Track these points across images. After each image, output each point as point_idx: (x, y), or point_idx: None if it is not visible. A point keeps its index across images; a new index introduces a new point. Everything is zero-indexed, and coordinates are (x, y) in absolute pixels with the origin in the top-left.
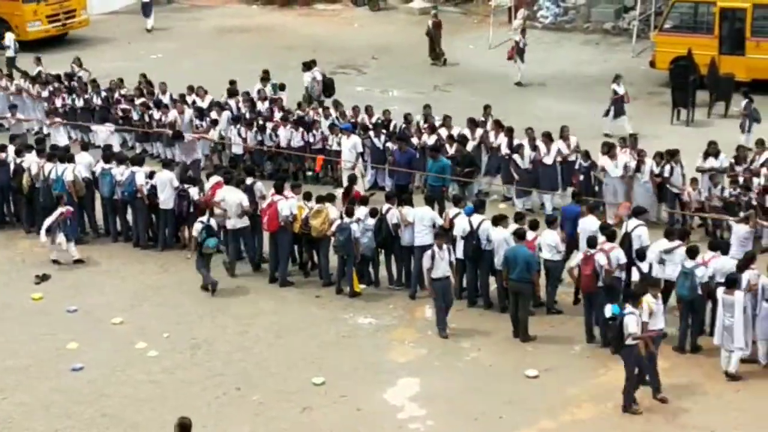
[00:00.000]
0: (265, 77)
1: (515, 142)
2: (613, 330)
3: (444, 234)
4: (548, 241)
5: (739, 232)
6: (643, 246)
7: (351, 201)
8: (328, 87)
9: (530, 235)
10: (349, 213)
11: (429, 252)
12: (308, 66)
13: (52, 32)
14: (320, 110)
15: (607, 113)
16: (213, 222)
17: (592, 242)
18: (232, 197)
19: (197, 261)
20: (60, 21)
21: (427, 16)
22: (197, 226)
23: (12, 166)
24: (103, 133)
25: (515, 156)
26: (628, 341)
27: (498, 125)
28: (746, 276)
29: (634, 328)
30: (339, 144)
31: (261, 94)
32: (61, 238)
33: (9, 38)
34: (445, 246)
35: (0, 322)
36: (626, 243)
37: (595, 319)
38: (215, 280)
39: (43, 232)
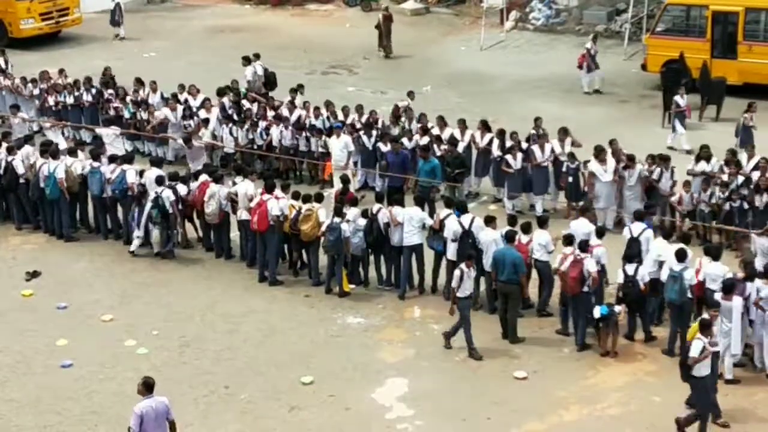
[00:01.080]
0: (247, 62)
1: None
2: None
3: (474, 255)
4: (540, 241)
5: (764, 244)
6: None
7: (342, 201)
8: (269, 81)
9: (524, 238)
10: (339, 213)
11: (457, 272)
12: (248, 60)
13: (45, 30)
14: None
15: (672, 127)
16: (164, 194)
17: (583, 246)
18: (242, 189)
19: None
20: (53, 19)
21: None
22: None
23: (3, 164)
24: (109, 136)
25: (507, 157)
26: (696, 371)
27: (484, 126)
28: (756, 286)
29: (697, 353)
30: (325, 146)
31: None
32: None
33: None
34: (472, 267)
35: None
36: (635, 248)
37: (574, 322)
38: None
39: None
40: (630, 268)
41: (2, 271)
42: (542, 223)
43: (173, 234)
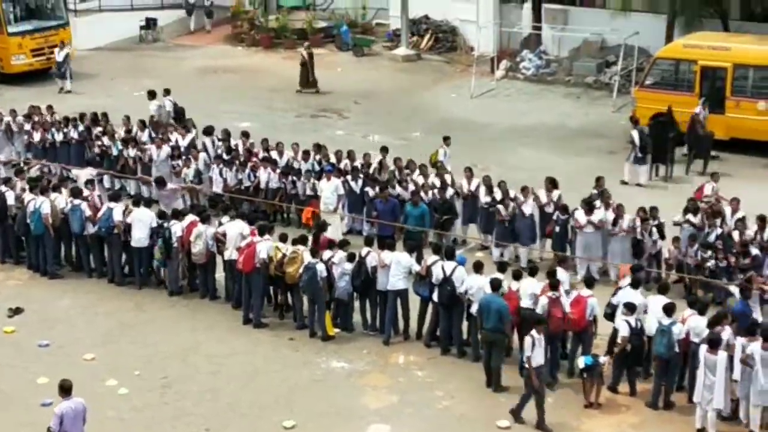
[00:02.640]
0: (152, 97)
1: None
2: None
3: (544, 321)
4: (529, 290)
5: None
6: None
7: (321, 247)
8: (179, 115)
9: (515, 285)
10: (314, 254)
11: (528, 339)
12: (153, 95)
13: (36, 66)
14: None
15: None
16: (173, 228)
17: (554, 284)
18: (233, 229)
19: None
20: (44, 55)
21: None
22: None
23: None
24: (84, 176)
25: (499, 207)
26: None
27: (469, 172)
28: (724, 335)
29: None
30: (313, 189)
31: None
32: None
33: None
34: (543, 333)
35: None
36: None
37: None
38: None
39: None
40: (632, 320)
41: None
42: (534, 272)
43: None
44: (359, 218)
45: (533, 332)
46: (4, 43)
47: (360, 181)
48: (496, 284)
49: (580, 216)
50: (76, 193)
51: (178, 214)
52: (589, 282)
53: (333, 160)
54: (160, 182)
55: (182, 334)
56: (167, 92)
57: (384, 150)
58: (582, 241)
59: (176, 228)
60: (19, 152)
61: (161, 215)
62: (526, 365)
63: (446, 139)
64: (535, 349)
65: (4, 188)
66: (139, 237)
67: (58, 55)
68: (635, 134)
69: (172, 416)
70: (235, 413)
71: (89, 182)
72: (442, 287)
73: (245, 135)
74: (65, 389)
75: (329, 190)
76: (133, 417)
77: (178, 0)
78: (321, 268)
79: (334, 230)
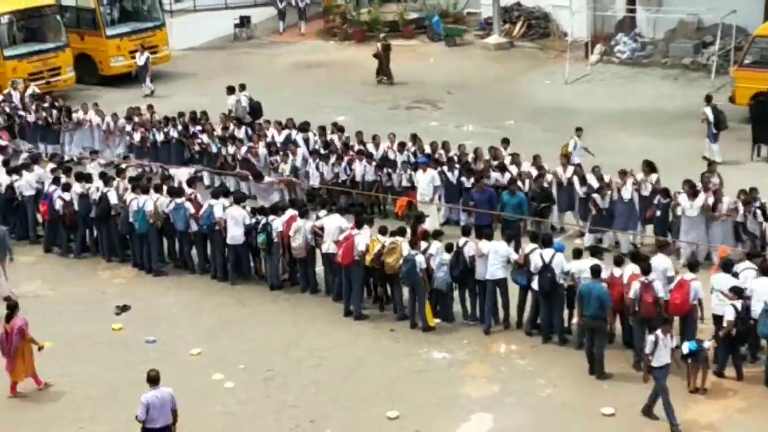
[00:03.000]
0: (230, 92)
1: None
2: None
3: (670, 320)
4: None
5: None
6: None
7: (419, 238)
8: (255, 110)
9: (617, 271)
10: (413, 245)
11: (651, 337)
12: (232, 90)
13: (135, 67)
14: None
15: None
16: (274, 223)
17: (646, 269)
18: (331, 222)
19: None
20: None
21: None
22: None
23: (96, 196)
24: (183, 175)
25: (595, 196)
26: None
27: (565, 159)
28: None
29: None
30: (410, 180)
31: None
32: None
33: None
34: (669, 333)
35: (80, 352)
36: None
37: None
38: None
39: None
40: (738, 304)
41: (93, 306)
42: (635, 257)
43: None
44: (456, 208)
45: (658, 332)
46: (102, 45)
47: (456, 172)
48: (596, 270)
49: (684, 199)
50: (175, 192)
51: (277, 209)
52: (692, 265)
53: (428, 151)
54: (258, 176)
55: (284, 328)
56: (243, 87)
57: (505, 142)
58: (685, 225)
59: (276, 223)
60: (120, 153)
61: (260, 211)
62: (643, 362)
63: (578, 130)
64: (658, 350)
65: (106, 188)
66: (234, 235)
67: (139, 60)
68: (708, 111)
69: (276, 409)
70: (338, 405)
71: (191, 180)
72: (542, 275)
73: (340, 129)
74: (152, 379)
75: (425, 181)
76: (239, 410)
77: None
78: (420, 259)
79: (432, 221)
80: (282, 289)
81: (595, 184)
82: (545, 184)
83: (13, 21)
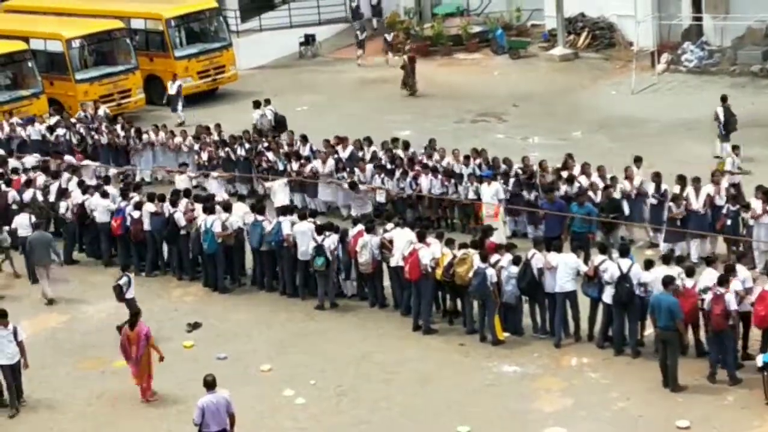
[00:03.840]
0: (257, 106)
1: (665, 189)
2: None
3: None
4: (702, 284)
5: None
6: None
7: (488, 252)
8: (279, 124)
9: (689, 282)
10: (484, 259)
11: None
12: (258, 104)
13: (203, 87)
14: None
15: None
16: (326, 242)
17: (722, 280)
18: (401, 236)
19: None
20: (210, 76)
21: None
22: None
23: (166, 215)
24: (280, 186)
25: (671, 204)
26: None
27: (721, 175)
28: None
29: None
30: (476, 192)
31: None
32: None
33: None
34: None
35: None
36: None
37: (723, 360)
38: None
39: None
40: None
41: (164, 323)
42: (710, 262)
43: (334, 285)
44: (522, 221)
45: None
46: (171, 67)
47: (521, 184)
48: (667, 281)
49: (757, 205)
50: (259, 209)
51: (332, 227)
52: None
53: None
54: (353, 186)
55: (354, 343)
56: (268, 102)
57: (570, 157)
58: (758, 232)
59: (329, 241)
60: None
61: (327, 227)
62: None
63: (735, 149)
64: None
65: (173, 209)
66: (303, 250)
67: (171, 89)
68: (720, 111)
69: (348, 424)
70: (410, 420)
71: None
72: (620, 285)
73: (405, 146)
74: (208, 383)
75: (489, 194)
76: (311, 426)
77: (335, 15)
78: (491, 272)
79: (498, 235)
80: (350, 304)
81: (665, 192)
82: (614, 195)
83: (84, 45)
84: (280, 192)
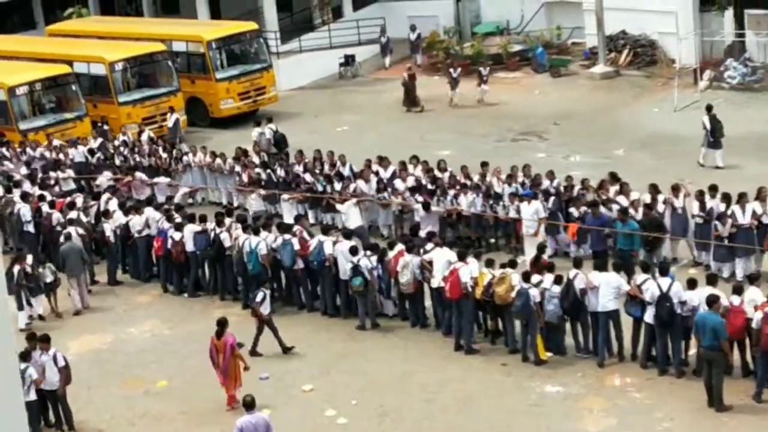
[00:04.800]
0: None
1: (711, 207)
2: None
3: None
4: (753, 297)
5: None
6: None
7: (540, 269)
8: (279, 142)
9: (735, 300)
10: (527, 278)
11: None
12: (258, 123)
13: (243, 109)
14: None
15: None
16: (362, 262)
17: None
18: (440, 256)
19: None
20: (251, 98)
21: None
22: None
23: (211, 236)
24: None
25: (716, 223)
26: None
27: (675, 189)
28: None
29: None
30: (518, 211)
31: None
32: None
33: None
34: None
35: (195, 390)
36: None
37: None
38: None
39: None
40: None
41: (207, 343)
42: (754, 279)
43: (373, 305)
44: (561, 239)
45: None
46: (212, 89)
47: (561, 202)
48: (711, 300)
49: None
50: (284, 228)
51: (376, 247)
52: None
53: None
54: (426, 206)
55: (395, 363)
56: (269, 120)
57: (613, 177)
58: None
59: (366, 261)
60: (231, 192)
61: (355, 248)
62: None
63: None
64: None
65: (219, 229)
66: (345, 270)
67: (169, 121)
68: (706, 120)
69: None
70: None
71: (298, 217)
72: (660, 305)
73: (442, 169)
74: (247, 404)
75: (529, 213)
76: None
77: (374, 36)
78: (534, 292)
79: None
80: (391, 325)
81: (717, 211)
82: (657, 213)
83: (126, 68)
84: (353, 215)
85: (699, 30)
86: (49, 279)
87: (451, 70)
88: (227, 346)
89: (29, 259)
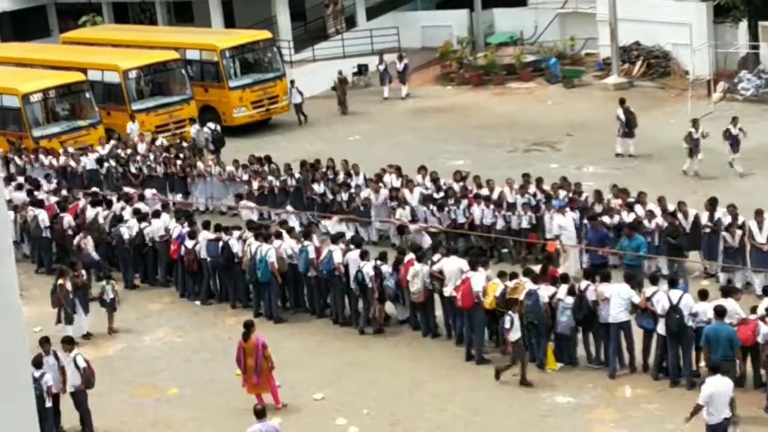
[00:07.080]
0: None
1: (719, 218)
2: None
3: None
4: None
5: None
6: None
7: (548, 279)
8: (216, 141)
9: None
10: (535, 281)
11: None
12: (194, 121)
13: (256, 117)
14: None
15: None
16: (365, 268)
17: None
18: (450, 266)
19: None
20: (264, 107)
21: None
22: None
23: (221, 243)
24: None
25: (725, 234)
26: None
27: (682, 203)
28: None
29: None
30: (530, 222)
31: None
32: None
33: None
34: None
35: (206, 398)
36: None
37: None
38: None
39: None
40: None
41: (218, 351)
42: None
43: (369, 310)
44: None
45: None
46: (225, 97)
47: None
48: (720, 311)
49: None
50: (306, 234)
51: (367, 254)
52: None
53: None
54: (400, 230)
55: (406, 372)
56: (210, 120)
57: (623, 191)
58: None
59: (368, 268)
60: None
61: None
62: None
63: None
64: None
65: (227, 237)
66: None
67: (140, 146)
68: (620, 112)
69: None
70: None
71: (308, 225)
72: (670, 317)
73: (458, 179)
74: (258, 413)
75: (563, 224)
76: None
77: (388, 45)
78: (543, 293)
79: (574, 264)
80: (400, 334)
81: (726, 221)
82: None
83: (140, 76)
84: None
85: (713, 41)
86: (110, 296)
87: (396, 61)
88: (258, 347)
89: (83, 274)
